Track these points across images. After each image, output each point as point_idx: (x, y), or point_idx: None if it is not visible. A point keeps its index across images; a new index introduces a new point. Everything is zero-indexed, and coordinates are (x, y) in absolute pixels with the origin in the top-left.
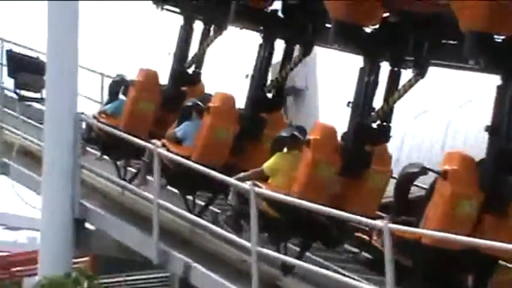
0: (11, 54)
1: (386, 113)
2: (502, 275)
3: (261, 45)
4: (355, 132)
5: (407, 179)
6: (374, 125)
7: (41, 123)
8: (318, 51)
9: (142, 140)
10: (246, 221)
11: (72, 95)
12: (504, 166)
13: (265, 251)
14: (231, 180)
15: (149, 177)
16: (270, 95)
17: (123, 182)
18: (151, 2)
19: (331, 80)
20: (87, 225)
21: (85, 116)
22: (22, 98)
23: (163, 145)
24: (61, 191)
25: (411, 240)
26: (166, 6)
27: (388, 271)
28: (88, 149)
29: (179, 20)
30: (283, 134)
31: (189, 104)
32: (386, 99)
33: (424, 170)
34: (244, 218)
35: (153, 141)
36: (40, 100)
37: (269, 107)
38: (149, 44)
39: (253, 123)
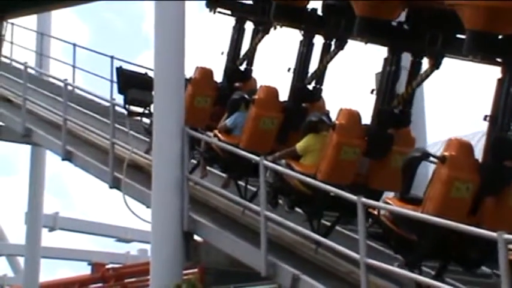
0: (121, 71)
1: (407, 100)
2: None
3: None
4: (378, 117)
5: (411, 162)
6: (396, 111)
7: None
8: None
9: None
10: (282, 197)
11: (178, 109)
12: (500, 152)
13: (374, 262)
14: (267, 161)
15: (210, 168)
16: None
17: (231, 195)
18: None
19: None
20: (196, 237)
21: (191, 130)
22: (131, 114)
23: (215, 135)
24: (170, 204)
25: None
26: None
27: None
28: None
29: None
30: (313, 118)
31: (236, 97)
32: (406, 87)
33: (426, 155)
34: (281, 194)
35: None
36: (148, 115)
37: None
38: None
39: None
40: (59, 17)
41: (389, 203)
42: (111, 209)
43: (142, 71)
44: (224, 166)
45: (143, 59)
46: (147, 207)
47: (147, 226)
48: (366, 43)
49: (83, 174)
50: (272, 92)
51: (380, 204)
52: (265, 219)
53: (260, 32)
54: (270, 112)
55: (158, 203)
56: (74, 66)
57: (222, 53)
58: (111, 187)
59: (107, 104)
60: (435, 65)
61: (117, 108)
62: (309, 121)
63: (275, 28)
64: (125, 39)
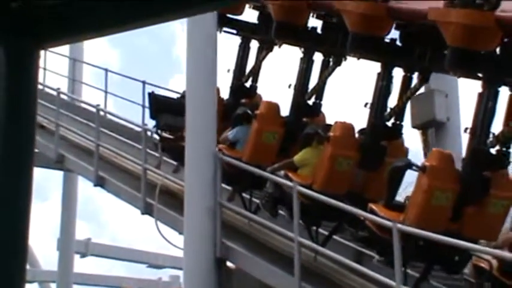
0: (153, 97)
1: (399, 113)
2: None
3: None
4: (371, 130)
5: (395, 171)
6: (388, 123)
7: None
8: (460, 82)
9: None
10: (282, 207)
11: (210, 134)
12: (479, 163)
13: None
14: (266, 173)
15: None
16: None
17: (257, 218)
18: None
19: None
20: (229, 264)
21: (221, 155)
22: (164, 139)
23: (220, 150)
24: (203, 230)
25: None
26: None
27: None
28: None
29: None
30: (309, 131)
31: (239, 112)
32: (398, 101)
33: (409, 165)
34: (280, 204)
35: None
36: (181, 140)
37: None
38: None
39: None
40: (90, 43)
41: (374, 209)
42: (143, 235)
43: (175, 95)
44: (228, 179)
45: (175, 83)
46: (180, 233)
47: (179, 252)
48: (358, 59)
49: (115, 200)
50: (273, 107)
51: (365, 213)
52: (298, 246)
53: (264, 50)
54: (272, 127)
55: (190, 229)
56: (106, 92)
57: (228, 71)
58: (143, 213)
59: (139, 129)
60: (424, 80)
61: (149, 133)
62: (306, 134)
63: (279, 46)
64: (155, 64)
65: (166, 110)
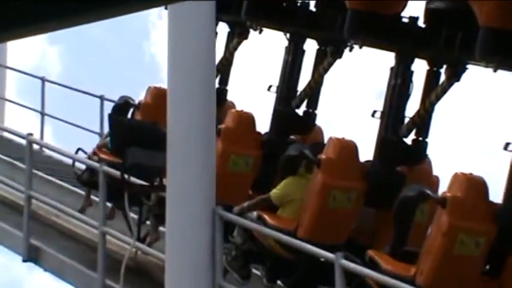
0: (115, 121)
1: (421, 125)
2: None
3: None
4: (383, 150)
5: (404, 205)
6: (406, 140)
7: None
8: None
9: None
10: (257, 264)
11: (208, 180)
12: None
13: None
14: (232, 214)
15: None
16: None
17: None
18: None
19: None
20: None
21: (226, 213)
22: (132, 187)
23: (95, 154)
24: None
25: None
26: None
27: None
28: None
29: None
30: (292, 152)
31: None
32: (420, 108)
33: (423, 195)
34: (254, 260)
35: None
36: (160, 189)
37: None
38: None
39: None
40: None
41: (376, 260)
42: None
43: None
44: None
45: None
46: None
47: None
48: (360, 47)
49: (54, 282)
50: (246, 120)
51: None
52: None
53: (235, 37)
54: (243, 148)
55: None
56: (42, 114)
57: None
58: None
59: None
60: (454, 76)
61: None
62: (287, 157)
63: (259, 31)
64: (119, 68)
65: (135, 141)
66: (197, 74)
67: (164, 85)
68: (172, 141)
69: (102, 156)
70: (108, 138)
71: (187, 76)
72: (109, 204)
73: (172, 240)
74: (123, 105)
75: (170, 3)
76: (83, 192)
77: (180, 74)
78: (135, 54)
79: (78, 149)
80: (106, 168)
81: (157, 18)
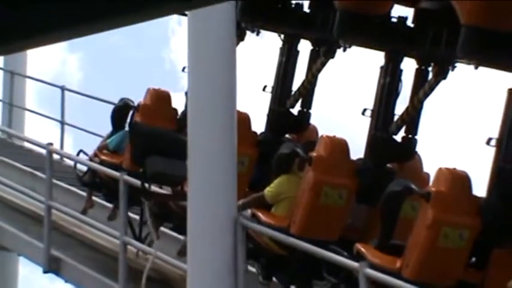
0: (136, 129)
1: (409, 123)
2: None
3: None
4: (373, 147)
5: (390, 199)
6: (396, 137)
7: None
8: None
9: None
10: (255, 263)
11: (231, 193)
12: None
13: None
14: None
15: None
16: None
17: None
18: None
19: None
20: None
21: (248, 221)
22: (154, 196)
23: (96, 156)
24: None
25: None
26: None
27: None
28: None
29: None
30: (284, 150)
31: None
32: (408, 106)
33: (408, 190)
34: (248, 257)
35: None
36: (181, 198)
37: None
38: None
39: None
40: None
41: (363, 253)
42: None
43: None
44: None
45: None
46: None
47: None
48: (349, 46)
49: None
50: (242, 120)
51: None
52: None
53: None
54: (239, 148)
55: None
56: (62, 123)
57: (183, 69)
58: None
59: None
60: (441, 73)
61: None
62: (280, 156)
63: (256, 33)
64: (140, 76)
65: (156, 149)
66: (218, 80)
67: (182, 92)
68: (193, 150)
69: (103, 157)
70: (109, 140)
71: (208, 83)
72: (109, 205)
73: (194, 249)
74: (122, 107)
75: (190, 9)
76: (103, 202)
77: (200, 81)
78: (155, 62)
79: (80, 151)
80: (126, 177)
81: (177, 24)
